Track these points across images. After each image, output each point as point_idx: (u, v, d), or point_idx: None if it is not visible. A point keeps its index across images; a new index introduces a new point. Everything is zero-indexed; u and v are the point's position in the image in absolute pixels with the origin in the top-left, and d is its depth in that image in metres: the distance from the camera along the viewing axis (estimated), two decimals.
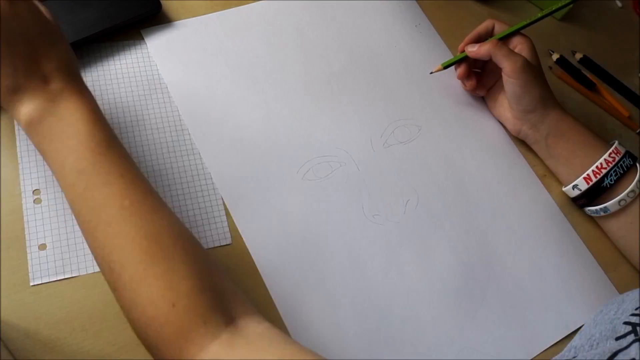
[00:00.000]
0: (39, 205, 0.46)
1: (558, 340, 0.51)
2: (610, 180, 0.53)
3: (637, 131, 0.67)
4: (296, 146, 0.54)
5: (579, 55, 0.70)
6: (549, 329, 0.51)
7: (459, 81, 0.62)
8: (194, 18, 0.59)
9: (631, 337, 0.34)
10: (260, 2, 0.62)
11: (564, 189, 0.57)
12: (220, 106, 0.55)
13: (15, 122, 0.49)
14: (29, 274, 0.44)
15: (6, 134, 0.49)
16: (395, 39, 0.64)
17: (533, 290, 0.53)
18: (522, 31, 0.58)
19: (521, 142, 0.61)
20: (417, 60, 0.63)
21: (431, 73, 0.60)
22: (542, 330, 0.51)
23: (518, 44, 0.57)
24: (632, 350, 0.33)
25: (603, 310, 0.41)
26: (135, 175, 0.40)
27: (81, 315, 0.43)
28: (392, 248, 0.51)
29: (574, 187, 0.55)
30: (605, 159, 0.53)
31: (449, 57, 0.64)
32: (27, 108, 0.39)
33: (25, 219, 0.46)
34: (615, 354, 0.34)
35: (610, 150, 0.54)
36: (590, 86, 0.68)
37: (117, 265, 0.37)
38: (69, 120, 0.39)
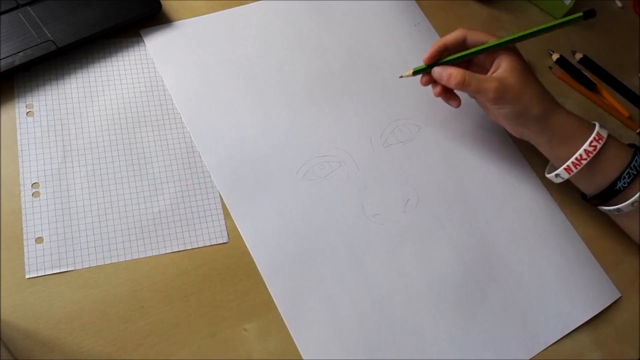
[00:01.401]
0: (37, 198, 0.46)
1: (558, 339, 0.51)
2: (624, 182, 0.51)
3: (637, 131, 0.67)
4: (296, 146, 0.54)
5: (579, 55, 0.70)
6: (549, 328, 0.51)
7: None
8: (193, 18, 0.59)
9: None
10: (260, 2, 0.62)
11: (547, 175, 0.54)
12: (219, 106, 0.55)
13: (17, 117, 0.49)
14: (25, 267, 0.44)
15: (7, 132, 0.49)
16: (394, 39, 0.64)
17: (533, 289, 0.53)
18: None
19: (521, 141, 0.61)
20: (416, 60, 0.63)
21: (401, 77, 0.55)
22: (542, 329, 0.51)
23: (499, 56, 0.51)
24: None
25: None
26: None
27: (81, 315, 0.43)
28: (392, 247, 0.51)
29: (557, 175, 0.53)
30: (585, 149, 0.50)
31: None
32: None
33: (23, 211, 0.46)
34: None
35: (590, 140, 0.50)
36: (590, 86, 0.68)
37: None
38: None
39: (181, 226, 0.48)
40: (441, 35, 0.66)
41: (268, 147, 0.54)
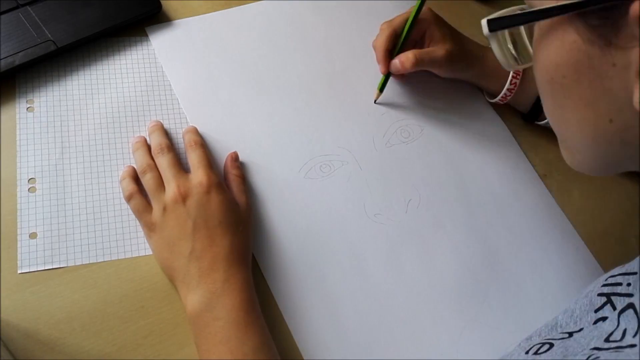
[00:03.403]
0: (33, 194, 0.46)
1: None
2: None
3: None
4: (298, 145, 0.54)
5: None
6: None
7: (457, 81, 0.61)
8: (198, 16, 0.59)
9: (608, 309, 0.35)
10: (264, 1, 0.62)
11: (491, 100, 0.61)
12: (223, 105, 0.55)
13: (17, 112, 0.49)
14: (18, 262, 0.44)
15: (6, 127, 0.49)
16: None
17: (534, 290, 0.52)
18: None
19: (524, 143, 0.61)
20: None
21: (375, 102, 0.59)
22: None
23: (427, 28, 0.57)
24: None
25: (583, 291, 0.41)
26: None
27: (81, 315, 0.43)
28: (393, 247, 0.51)
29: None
30: (507, 88, 0.57)
31: None
32: (192, 297, 0.42)
33: (18, 206, 0.46)
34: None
35: (509, 78, 0.57)
36: None
37: None
38: (223, 321, 0.40)
39: None
40: None
41: (270, 145, 0.54)
